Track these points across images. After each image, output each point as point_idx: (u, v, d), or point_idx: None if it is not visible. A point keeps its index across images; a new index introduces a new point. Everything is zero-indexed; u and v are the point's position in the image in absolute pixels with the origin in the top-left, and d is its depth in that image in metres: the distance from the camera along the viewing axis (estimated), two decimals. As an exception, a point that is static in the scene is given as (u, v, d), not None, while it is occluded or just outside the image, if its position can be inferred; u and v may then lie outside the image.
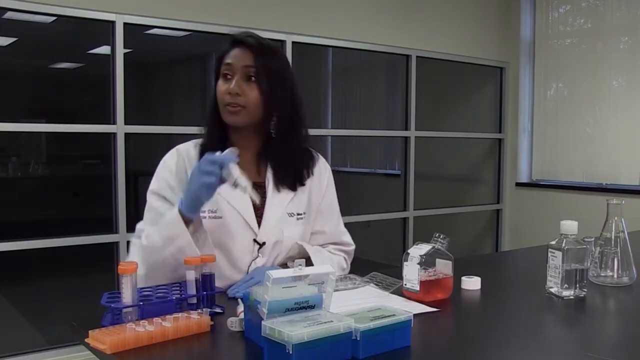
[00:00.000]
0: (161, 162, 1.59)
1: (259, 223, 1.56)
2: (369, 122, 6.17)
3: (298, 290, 1.06)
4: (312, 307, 1.08)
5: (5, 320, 3.97)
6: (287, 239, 1.59)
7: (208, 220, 1.51)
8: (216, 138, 1.56)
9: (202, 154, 1.54)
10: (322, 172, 1.70)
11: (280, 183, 1.60)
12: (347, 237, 1.77)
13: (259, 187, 1.58)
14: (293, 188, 1.62)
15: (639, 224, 2.39)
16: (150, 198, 1.55)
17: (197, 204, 1.40)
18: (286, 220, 1.60)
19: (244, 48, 1.52)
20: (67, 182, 5.78)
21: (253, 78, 1.50)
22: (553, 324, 1.37)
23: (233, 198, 1.54)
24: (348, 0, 4.29)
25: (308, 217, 1.64)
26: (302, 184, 1.63)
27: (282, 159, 1.59)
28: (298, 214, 1.60)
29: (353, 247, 1.78)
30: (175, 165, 1.56)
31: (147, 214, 1.54)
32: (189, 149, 1.59)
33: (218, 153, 1.38)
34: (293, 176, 1.61)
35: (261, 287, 1.06)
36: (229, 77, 1.51)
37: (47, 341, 3.37)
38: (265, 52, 1.52)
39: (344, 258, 1.74)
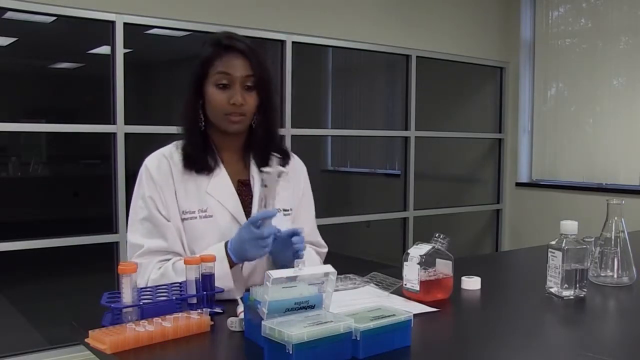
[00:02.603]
0: (143, 169, 1.54)
1: None
2: (369, 122, 6.18)
3: (298, 290, 1.06)
4: (312, 307, 1.08)
5: (5, 320, 3.97)
6: None
7: (199, 220, 1.52)
8: (198, 141, 1.55)
9: (185, 158, 1.53)
10: (300, 171, 1.71)
11: None
12: (321, 239, 1.74)
13: (245, 185, 1.59)
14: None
15: (639, 224, 2.39)
16: (150, 206, 1.50)
17: (244, 259, 1.44)
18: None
19: (237, 55, 1.50)
20: (67, 182, 5.77)
21: (251, 85, 1.51)
22: (553, 324, 1.37)
23: (222, 197, 1.54)
24: (348, 0, 4.29)
25: (293, 213, 1.64)
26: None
27: (265, 150, 1.60)
28: (285, 210, 1.59)
29: (326, 249, 1.75)
30: (157, 170, 1.52)
31: (144, 222, 1.50)
32: (172, 152, 1.56)
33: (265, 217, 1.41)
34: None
35: (261, 287, 1.06)
36: (227, 86, 1.50)
37: (47, 341, 3.37)
38: (259, 57, 1.52)
39: (319, 260, 1.70)
